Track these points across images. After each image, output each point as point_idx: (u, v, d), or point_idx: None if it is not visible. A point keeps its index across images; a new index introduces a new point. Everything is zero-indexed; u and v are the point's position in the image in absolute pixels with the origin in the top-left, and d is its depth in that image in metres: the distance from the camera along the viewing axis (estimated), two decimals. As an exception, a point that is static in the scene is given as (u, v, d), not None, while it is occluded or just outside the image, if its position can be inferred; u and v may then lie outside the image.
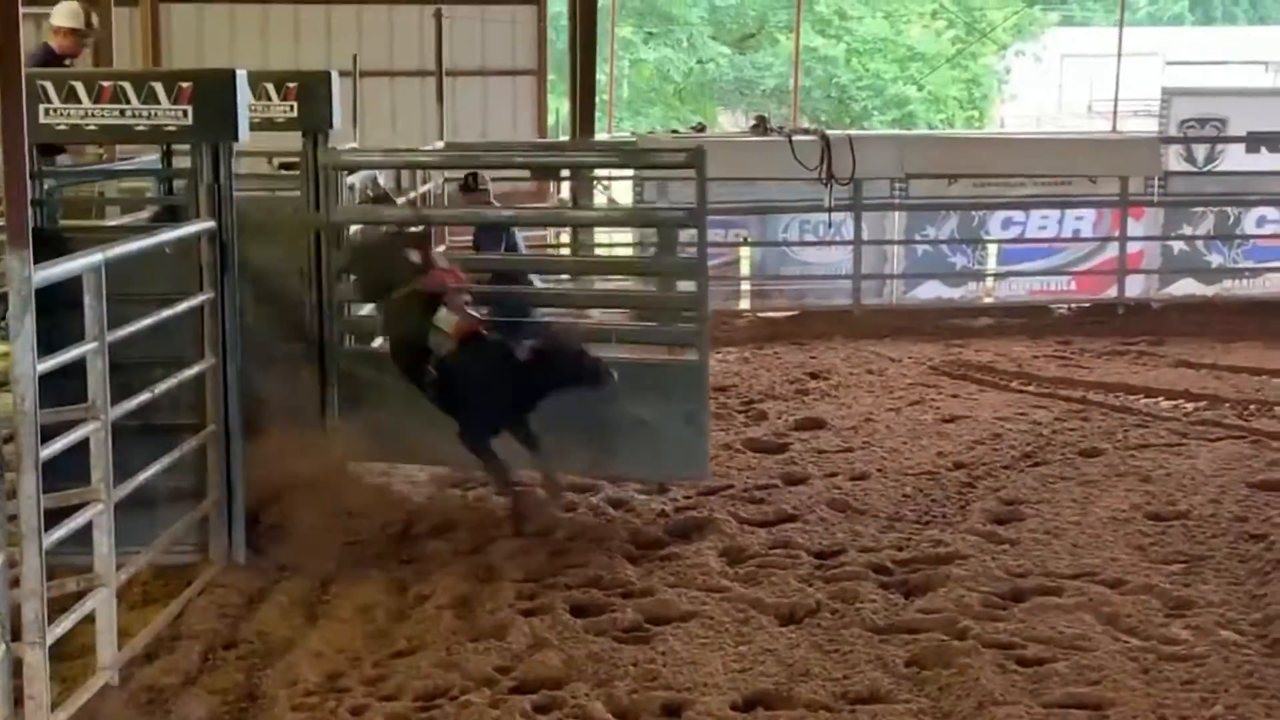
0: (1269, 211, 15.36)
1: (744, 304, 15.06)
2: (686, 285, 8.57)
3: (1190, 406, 11.10)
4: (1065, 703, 5.85)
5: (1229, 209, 15.29)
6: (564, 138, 15.44)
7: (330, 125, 8.51)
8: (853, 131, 17.97)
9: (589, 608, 6.92)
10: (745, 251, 15.33)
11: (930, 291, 15.28)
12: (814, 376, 12.13)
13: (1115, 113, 17.51)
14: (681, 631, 6.59)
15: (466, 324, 8.05)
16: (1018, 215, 15.25)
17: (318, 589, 7.19)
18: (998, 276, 15.42)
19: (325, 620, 6.81)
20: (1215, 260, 15.35)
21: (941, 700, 5.91)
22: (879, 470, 9.33)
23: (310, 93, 8.55)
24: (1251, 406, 11.04)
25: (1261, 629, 6.62)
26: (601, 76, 19.53)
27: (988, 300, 15.43)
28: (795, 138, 14.80)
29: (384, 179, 10.89)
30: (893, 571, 7.43)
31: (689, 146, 10.96)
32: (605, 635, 6.57)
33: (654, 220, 10.18)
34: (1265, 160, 15.27)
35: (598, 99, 15.94)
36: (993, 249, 15.54)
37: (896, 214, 15.35)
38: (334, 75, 8.69)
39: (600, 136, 16.46)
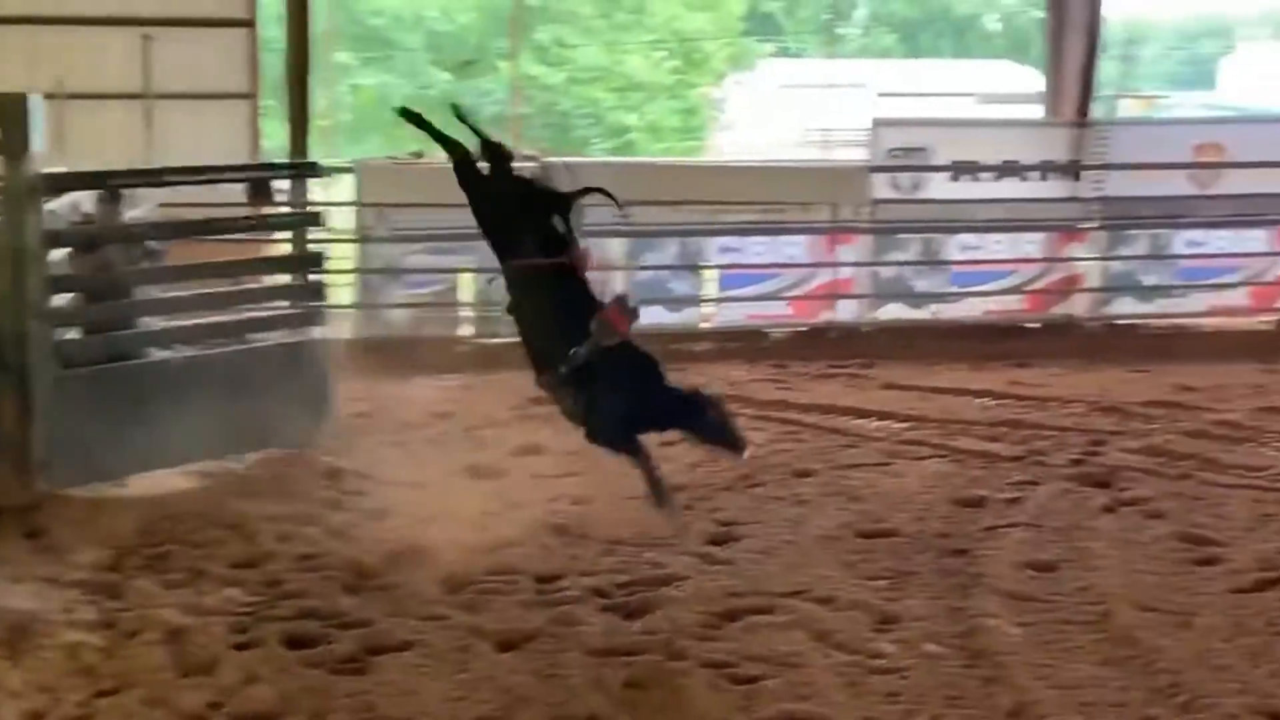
0: (970, 238, 15.91)
1: (466, 330, 15.02)
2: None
3: (898, 427, 11.46)
4: (776, 718, 5.98)
5: (934, 235, 15.78)
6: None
7: (30, 148, 8.26)
8: (572, 159, 18.06)
9: (304, 639, 6.83)
10: (467, 278, 15.27)
11: (652, 317, 15.41)
12: (536, 402, 12.15)
13: (826, 142, 17.94)
14: (399, 661, 6.56)
15: (627, 318, 7.77)
16: (734, 242, 15.50)
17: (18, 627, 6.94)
18: (717, 302, 15.65)
19: (27, 658, 6.58)
20: (921, 285, 15.81)
21: (657, 721, 6.00)
22: (600, 494, 9.40)
23: (8, 115, 8.29)
24: (954, 426, 11.45)
25: (963, 641, 6.87)
26: (321, 102, 19.30)
27: (706, 325, 15.66)
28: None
29: (89, 202, 10.57)
30: (612, 595, 7.50)
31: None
32: (320, 667, 6.50)
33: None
34: (968, 188, 15.85)
35: (319, 124, 15.75)
36: (711, 275, 15.76)
37: (617, 241, 15.47)
38: (36, 97, 8.43)
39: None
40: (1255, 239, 16.45)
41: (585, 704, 6.10)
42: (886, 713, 6.04)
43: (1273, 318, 16.42)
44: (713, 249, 15.61)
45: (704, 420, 7.63)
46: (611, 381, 7.68)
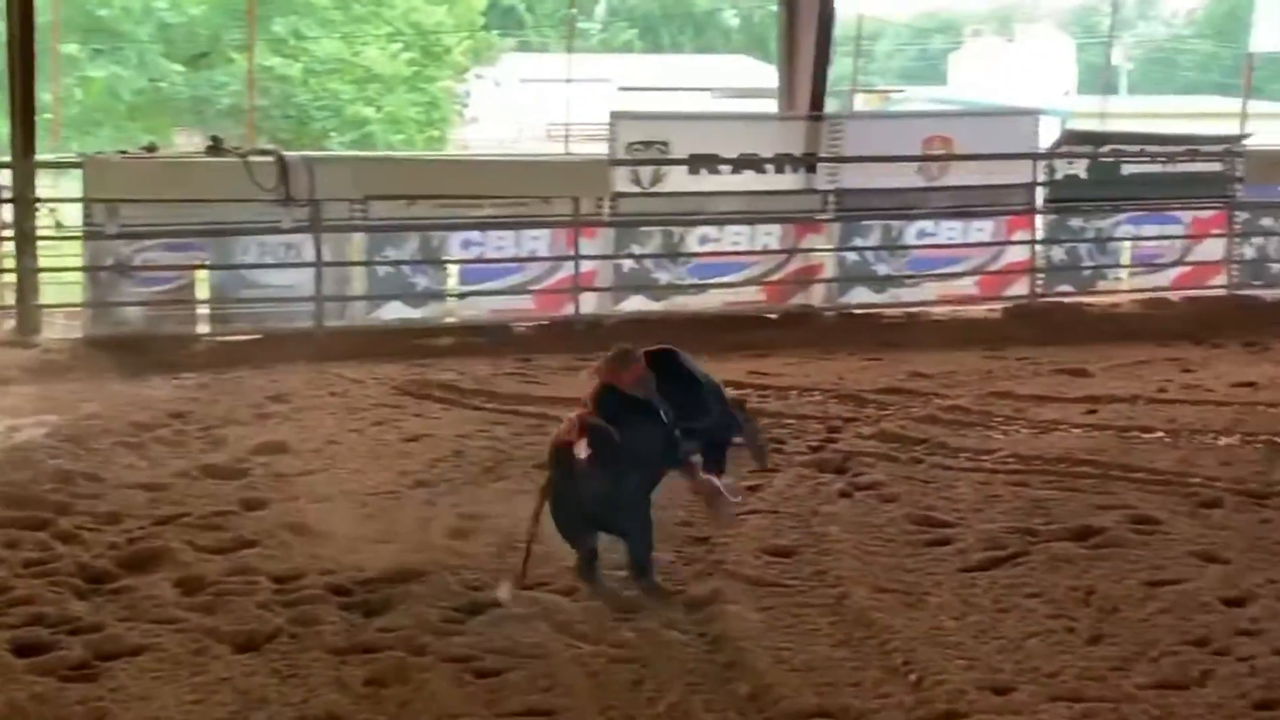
0: (710, 230, 16.13)
1: (202, 328, 14.71)
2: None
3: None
4: (520, 711, 5.99)
5: (674, 228, 15.96)
6: (4, 158, 14.64)
7: None
8: (310, 152, 17.81)
9: (33, 646, 6.61)
10: (202, 274, 14.94)
11: (393, 312, 15.29)
12: (276, 400, 11.97)
13: (567, 136, 18.01)
14: (132, 666, 6.39)
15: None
16: (476, 236, 15.46)
17: None
18: (459, 296, 15.59)
19: None
20: (663, 277, 15.98)
21: (399, 717, 5.95)
22: (341, 492, 9.29)
23: None
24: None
25: (703, 628, 6.96)
26: (47, 95, 18.68)
27: (450, 320, 15.59)
28: (251, 158, 14.59)
29: None
30: (353, 592, 7.41)
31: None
32: (51, 675, 6.30)
33: None
34: (706, 181, 16.06)
35: (44, 118, 15.23)
36: (453, 269, 15.69)
37: (357, 235, 15.30)
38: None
39: (46, 157, 15.74)
40: (983, 229, 17.00)
41: (325, 702, 6.03)
42: (628, 701, 6.09)
43: (1000, 305, 16.98)
44: (454, 243, 15.54)
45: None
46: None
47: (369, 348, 13.96)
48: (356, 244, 15.33)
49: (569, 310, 15.67)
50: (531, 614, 7.01)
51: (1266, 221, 17.99)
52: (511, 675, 6.31)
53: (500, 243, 15.57)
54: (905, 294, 16.80)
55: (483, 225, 15.50)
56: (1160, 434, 10.88)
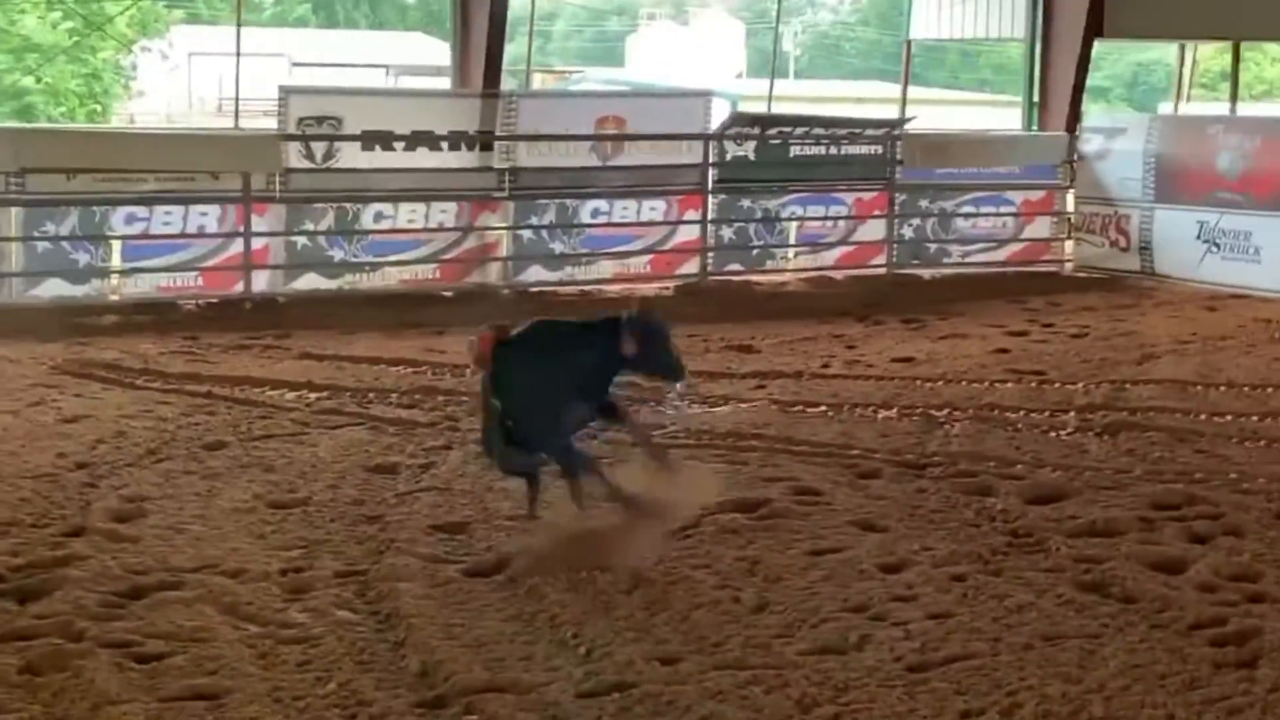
0: (385, 207, 15.99)
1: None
2: None
3: (313, 396, 11.41)
4: (183, 695, 5.83)
5: (348, 205, 15.77)
6: None
7: None
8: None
9: None
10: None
11: (52, 290, 14.74)
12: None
13: (236, 110, 17.61)
14: None
15: None
16: (141, 211, 15.01)
17: None
18: (123, 273, 15.12)
19: None
20: (337, 255, 15.78)
21: (55, 706, 5.73)
22: (-6, 478, 8.92)
23: None
24: (371, 395, 11.50)
25: (374, 606, 6.90)
26: None
27: (114, 298, 15.11)
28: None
29: None
30: (7, 579, 7.12)
31: None
32: None
33: None
34: (380, 158, 15.91)
35: None
36: (116, 245, 15.19)
37: (14, 210, 14.70)
38: None
39: None
40: (655, 208, 17.26)
41: (-25, 694, 5.78)
42: (297, 682, 5.99)
43: (672, 284, 17.28)
44: (118, 219, 15.06)
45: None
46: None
47: (26, 326, 13.43)
48: (12, 219, 14.73)
49: (239, 288, 15.36)
50: (196, 597, 6.85)
51: (924, 203, 18.74)
52: (175, 659, 6.15)
53: (167, 219, 15.15)
54: (580, 272, 16.98)
55: (148, 201, 15.06)
56: (824, 408, 11.21)
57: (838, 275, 18.04)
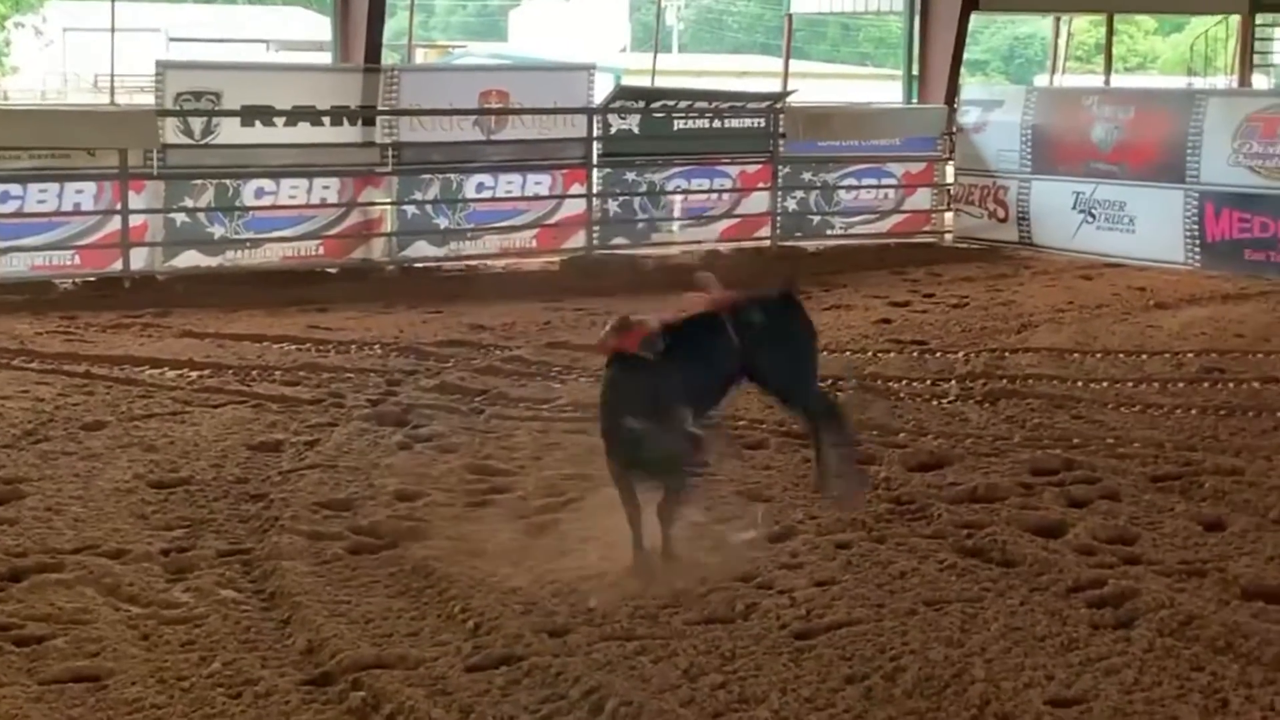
0: (266, 183, 15.82)
1: None
2: None
3: (195, 375, 11.30)
4: (64, 677, 5.77)
5: (228, 181, 15.59)
6: None
7: None
8: None
9: None
10: None
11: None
12: None
13: (113, 86, 17.35)
14: None
15: None
16: (15, 189, 14.73)
17: None
18: (-4, 253, 14.85)
19: None
20: (218, 231, 15.59)
21: (-68, 692, 5.65)
22: None
23: None
24: (253, 372, 11.39)
25: (259, 585, 6.86)
26: None
27: (-12, 278, 14.84)
28: None
29: None
30: (-123, 565, 6.99)
31: None
32: None
33: None
34: (260, 133, 15.72)
35: None
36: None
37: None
38: None
39: None
40: (540, 183, 17.22)
41: None
42: (180, 662, 5.94)
43: (557, 258, 17.26)
44: (-8, 196, 14.78)
45: None
46: None
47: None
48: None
49: (117, 266, 15.14)
50: (76, 578, 6.76)
51: (806, 176, 18.87)
52: (55, 642, 6.07)
53: (41, 196, 14.89)
54: (465, 247, 16.91)
55: (22, 178, 14.79)
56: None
57: (723, 248, 18.12)
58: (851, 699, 5.73)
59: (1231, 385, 11.25)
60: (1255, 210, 16.74)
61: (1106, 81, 26.48)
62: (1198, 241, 17.17)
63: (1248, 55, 24.62)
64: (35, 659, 5.93)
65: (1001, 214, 18.89)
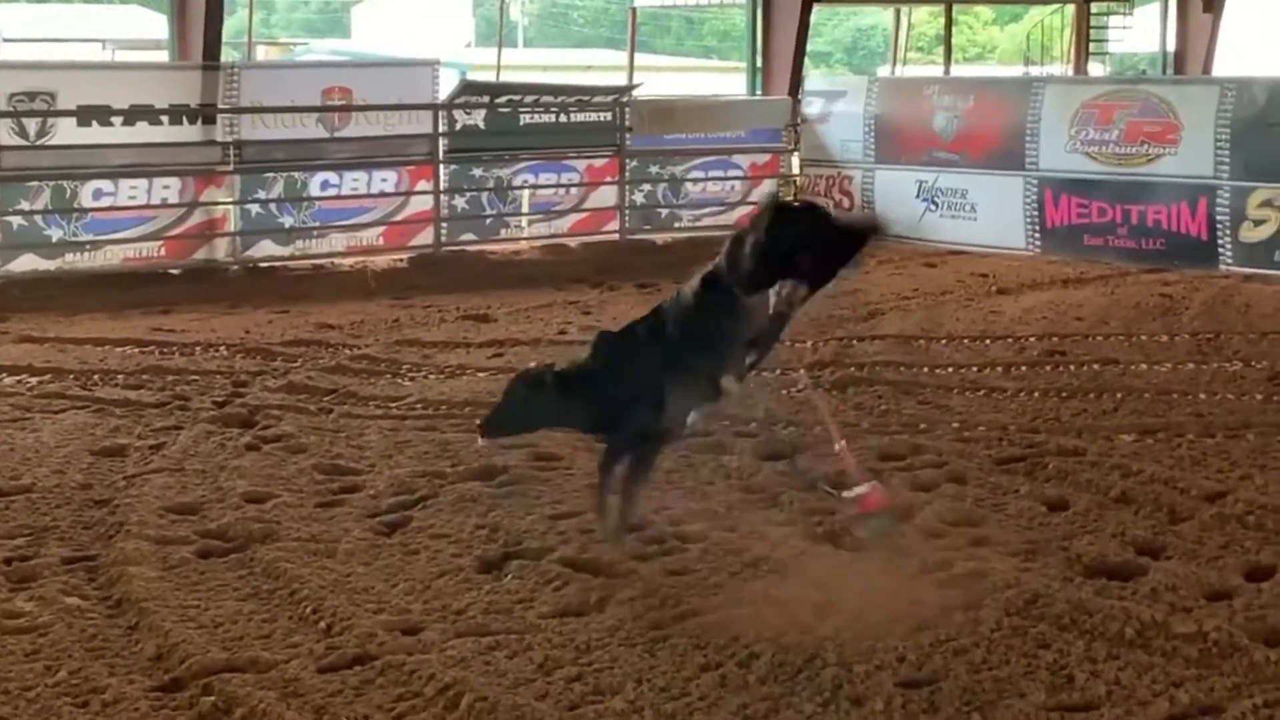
0: (105, 184, 15.54)
1: None
2: None
3: (34, 380, 11.07)
4: (-97, 692, 5.63)
5: (65, 183, 15.29)
6: None
7: None
8: None
9: None
10: None
11: None
12: None
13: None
14: None
15: None
16: None
17: None
18: None
19: None
20: (55, 234, 15.29)
21: None
22: None
23: None
24: (96, 376, 11.19)
25: (105, 592, 6.73)
26: None
27: None
28: None
29: None
30: None
31: None
32: None
33: None
34: (98, 133, 15.43)
35: None
36: None
37: None
38: None
39: None
40: (386, 179, 17.10)
41: None
42: (25, 671, 5.81)
43: (405, 255, 17.16)
44: None
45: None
46: None
47: None
48: None
49: (-51, 272, 14.79)
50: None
51: (654, 168, 18.94)
52: (-107, 656, 5.93)
53: None
54: (312, 246, 16.74)
55: None
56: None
57: (571, 242, 18.13)
58: (706, 687, 5.76)
59: (1072, 368, 11.48)
60: (1093, 195, 17.11)
61: (946, 71, 26.89)
62: (1038, 227, 17.50)
63: (1083, 43, 25.16)
64: (-128, 675, 5.78)
65: (847, 203, 19.10)
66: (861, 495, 6.86)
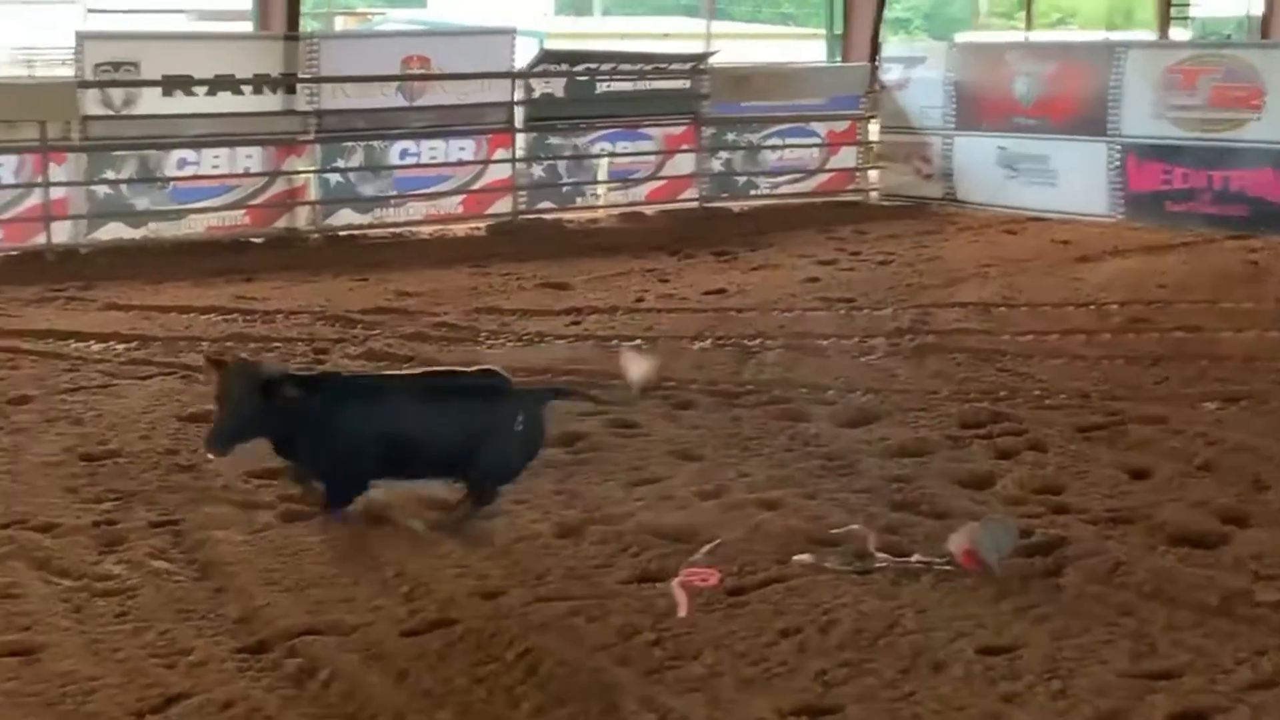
0: (188, 153, 15.68)
1: None
2: None
3: (121, 348, 11.20)
4: (-1, 652, 5.75)
5: (150, 152, 15.44)
6: None
7: None
8: None
9: None
10: None
11: None
12: None
13: (33, 59, 17.14)
14: None
15: None
16: (-66, 164, 14.55)
17: None
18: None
19: None
20: (140, 203, 15.45)
21: None
22: None
23: None
24: (181, 343, 11.31)
25: (192, 555, 6.82)
26: None
27: (-93, 253, 14.66)
28: None
29: None
30: None
31: None
32: None
33: None
34: (181, 103, 15.57)
35: None
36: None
37: None
38: None
39: None
40: (465, 148, 17.16)
41: None
42: (114, 633, 5.90)
43: (483, 223, 17.22)
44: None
45: None
46: None
47: None
48: None
49: (40, 240, 14.98)
50: (6, 552, 6.72)
51: (731, 136, 18.89)
52: (-14, 617, 6.05)
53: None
54: (391, 214, 16.84)
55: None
56: (638, 342, 11.29)
57: (648, 210, 18.13)
58: (785, 652, 5.77)
59: (1155, 335, 11.39)
60: (1176, 162, 16.93)
61: (1028, 37, 26.63)
62: (1120, 194, 17.33)
63: (1167, 8, 24.82)
64: (-34, 634, 5.90)
65: (926, 170, 18.99)
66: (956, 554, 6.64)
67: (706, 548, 6.80)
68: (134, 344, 11.29)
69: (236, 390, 6.91)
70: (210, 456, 7.24)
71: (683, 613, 6.16)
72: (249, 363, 7.28)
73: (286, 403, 6.93)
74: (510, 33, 18.03)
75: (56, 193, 15.03)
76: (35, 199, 14.94)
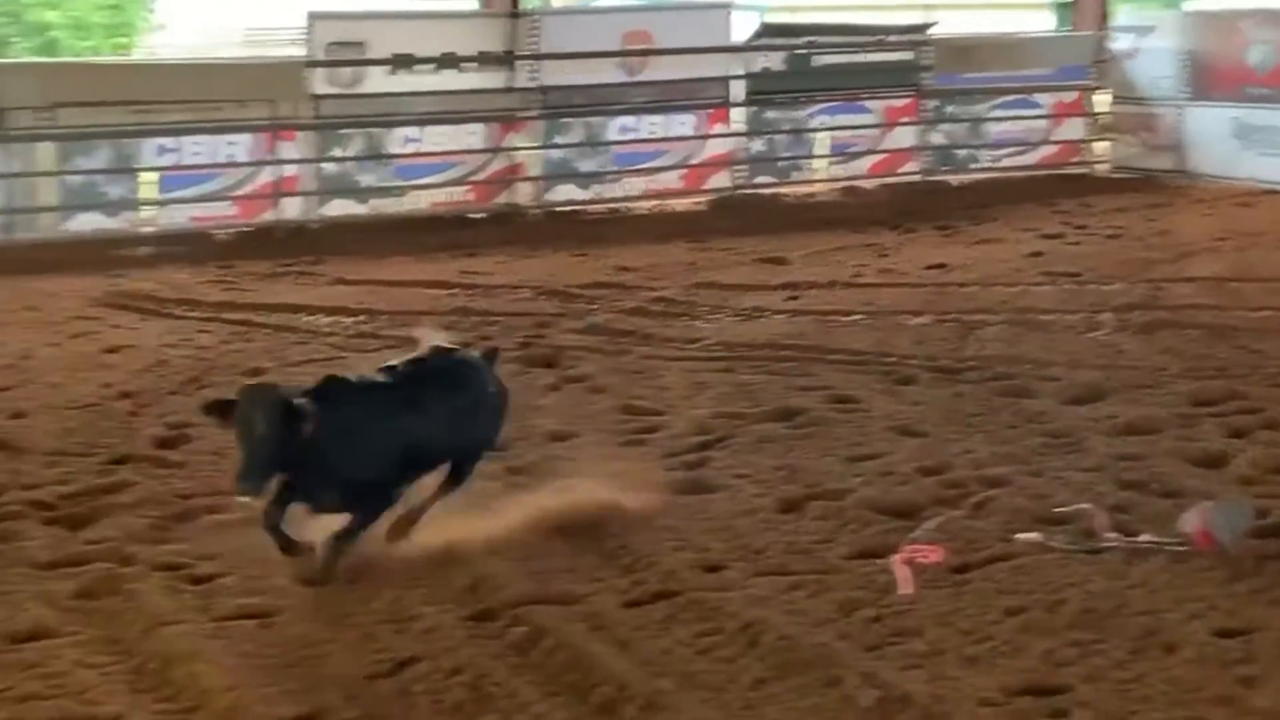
0: (413, 131, 15.97)
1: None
2: None
3: (349, 321, 11.47)
4: (235, 615, 5.92)
5: (376, 129, 15.76)
6: None
7: None
8: (-9, 60, 17.07)
9: None
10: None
11: (88, 223, 14.80)
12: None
13: (263, 39, 17.59)
14: None
15: None
16: (171, 143, 15.01)
17: None
18: (157, 205, 15.16)
19: None
20: (366, 180, 15.78)
21: (110, 628, 5.82)
22: (40, 406, 9.01)
23: None
24: (407, 317, 11.51)
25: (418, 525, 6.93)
26: None
27: (148, 229, 15.16)
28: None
29: None
30: (57, 506, 7.21)
31: None
32: None
33: None
34: (405, 81, 15.86)
35: None
36: (149, 178, 15.23)
37: (46, 145, 14.73)
38: None
39: None
40: (684, 123, 17.18)
41: (30, 617, 5.86)
42: (345, 600, 6.01)
43: (703, 198, 17.24)
44: (148, 151, 15.07)
45: None
46: None
47: (63, 260, 13.52)
48: (45, 154, 14.77)
49: (270, 216, 15.39)
50: (244, 519, 6.91)
51: (952, 109, 18.60)
52: (225, 580, 6.24)
53: (196, 149, 15.16)
54: (610, 189, 16.94)
55: (177, 131, 15.06)
56: (858, 316, 11.22)
57: (868, 184, 17.97)
58: (1010, 631, 5.69)
59: (1397, 311, 10.97)
60: None
61: (1263, 4, 25.74)
62: (1361, 166, 16.72)
63: None
64: (207, 597, 6.10)
65: (1156, 142, 18.51)
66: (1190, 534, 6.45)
67: (929, 524, 6.74)
68: (361, 317, 11.56)
69: (257, 420, 5.99)
70: (242, 500, 6.17)
71: (905, 589, 6.10)
72: (261, 388, 6.60)
73: (311, 425, 6.07)
74: (727, 7, 17.99)
75: (286, 170, 15.42)
76: (266, 176, 15.35)
